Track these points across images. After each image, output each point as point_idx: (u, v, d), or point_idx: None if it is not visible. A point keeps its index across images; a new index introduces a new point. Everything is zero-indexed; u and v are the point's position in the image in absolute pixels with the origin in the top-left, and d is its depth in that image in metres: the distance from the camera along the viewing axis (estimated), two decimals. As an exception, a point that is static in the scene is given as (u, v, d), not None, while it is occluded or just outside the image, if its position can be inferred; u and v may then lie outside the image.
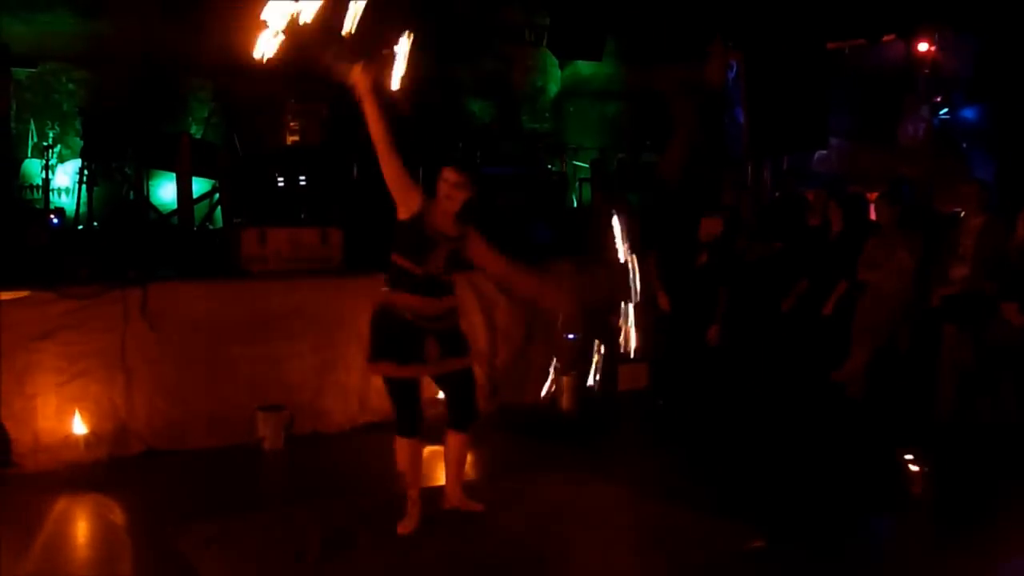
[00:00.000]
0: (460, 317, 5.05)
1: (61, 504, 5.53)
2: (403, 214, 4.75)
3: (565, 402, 7.82)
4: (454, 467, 5.19)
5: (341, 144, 8.90)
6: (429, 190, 4.86)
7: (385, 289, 4.81)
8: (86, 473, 5.93)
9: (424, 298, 4.75)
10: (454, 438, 5.10)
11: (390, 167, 4.68)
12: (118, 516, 5.41)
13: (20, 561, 4.66)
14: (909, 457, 5.68)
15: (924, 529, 5.33)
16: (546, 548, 4.81)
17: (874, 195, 9.15)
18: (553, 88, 12.68)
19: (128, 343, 6.42)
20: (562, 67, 12.63)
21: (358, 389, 7.21)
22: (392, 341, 4.77)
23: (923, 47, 10.71)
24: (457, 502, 5.18)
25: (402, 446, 4.96)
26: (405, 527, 4.91)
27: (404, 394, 4.90)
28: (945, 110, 10.92)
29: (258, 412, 6.65)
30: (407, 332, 4.74)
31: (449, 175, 4.75)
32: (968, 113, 10.90)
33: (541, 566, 4.62)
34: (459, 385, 5.00)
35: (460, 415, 5.05)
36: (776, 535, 4.95)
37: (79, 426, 6.12)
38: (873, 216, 8.51)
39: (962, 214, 7.56)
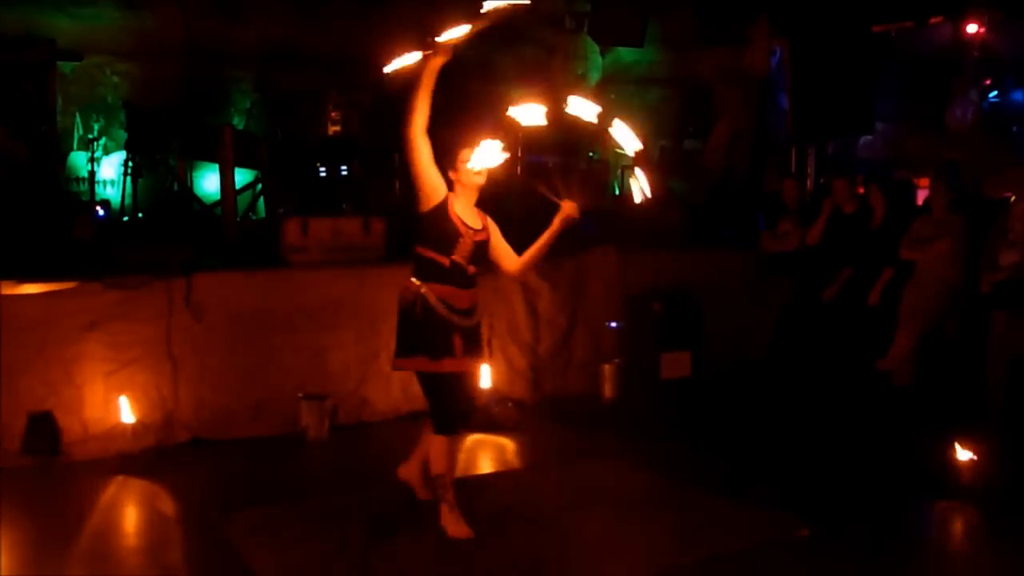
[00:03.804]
0: (480, 314, 4.85)
1: (109, 492, 5.59)
2: (426, 205, 4.64)
3: (607, 390, 7.79)
4: (421, 457, 5.06)
5: (383, 134, 8.91)
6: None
7: (414, 280, 4.67)
8: (133, 461, 6.00)
9: (455, 288, 4.65)
10: (429, 438, 4.88)
11: (423, 153, 4.58)
12: (165, 504, 5.47)
13: (69, 548, 4.72)
14: (958, 446, 5.59)
15: (973, 518, 5.25)
16: (585, 535, 4.80)
17: (922, 180, 9.02)
18: (594, 75, 12.60)
19: (174, 333, 6.48)
20: (603, 54, 12.54)
21: (401, 378, 7.21)
22: (424, 334, 4.62)
23: (972, 28, 10.49)
24: (411, 479, 5.16)
25: (441, 445, 4.72)
26: (460, 530, 4.70)
27: (442, 389, 4.69)
28: (995, 93, 10.71)
29: (302, 401, 6.69)
30: (438, 325, 4.61)
31: (469, 155, 4.67)
32: (1018, 96, 10.68)
33: (581, 554, 4.61)
34: (462, 385, 4.81)
35: (436, 418, 4.77)
36: (821, 524, 4.90)
37: (126, 415, 6.19)
38: (920, 200, 8.39)
39: (1012, 199, 7.42)
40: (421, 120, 4.56)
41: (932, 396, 7.08)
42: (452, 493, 4.76)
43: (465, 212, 4.73)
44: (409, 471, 5.22)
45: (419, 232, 4.72)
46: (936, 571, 4.63)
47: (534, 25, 11.57)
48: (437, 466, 4.74)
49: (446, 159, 4.75)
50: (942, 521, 5.25)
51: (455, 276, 4.65)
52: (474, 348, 4.77)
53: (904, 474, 5.80)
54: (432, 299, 4.61)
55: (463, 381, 4.83)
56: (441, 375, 4.66)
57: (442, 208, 4.65)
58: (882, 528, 4.98)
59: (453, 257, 4.64)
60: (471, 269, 4.71)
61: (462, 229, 4.66)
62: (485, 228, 4.80)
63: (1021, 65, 10.57)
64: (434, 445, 4.76)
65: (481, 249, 4.76)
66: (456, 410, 4.77)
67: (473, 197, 4.77)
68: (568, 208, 4.83)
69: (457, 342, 4.64)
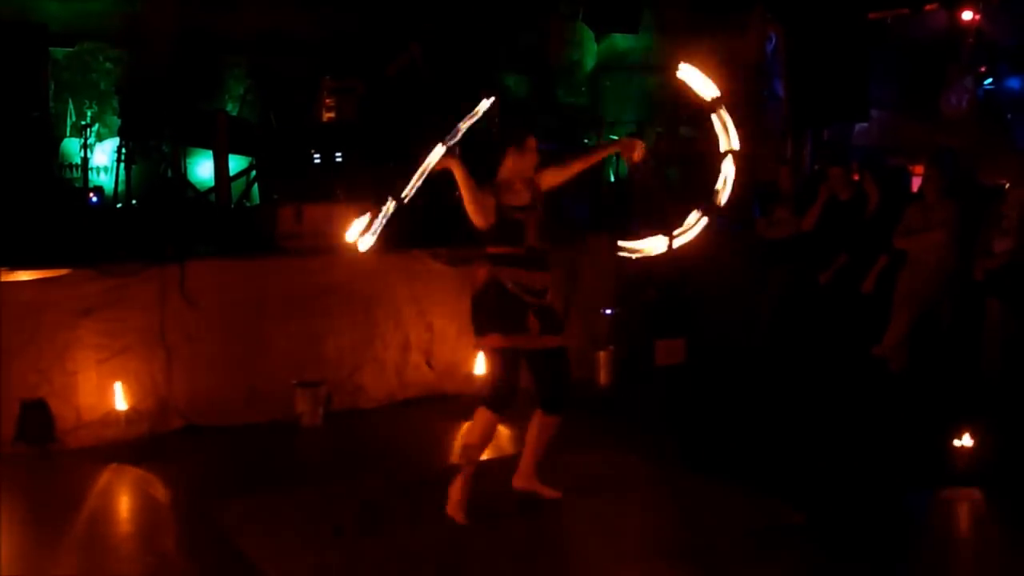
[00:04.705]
0: (552, 292, 4.97)
1: (103, 479, 5.59)
2: (483, 223, 4.77)
3: (602, 377, 7.79)
4: (535, 448, 5.02)
5: (377, 120, 8.89)
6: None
7: (488, 266, 4.82)
8: (127, 449, 5.98)
9: (527, 272, 4.79)
10: (542, 419, 4.97)
11: (475, 205, 4.72)
12: (158, 491, 5.46)
13: (62, 536, 4.72)
14: (954, 431, 5.60)
15: (969, 504, 5.25)
16: (579, 523, 4.80)
17: (917, 167, 9.01)
18: (589, 62, 12.57)
19: (167, 320, 6.46)
20: (598, 40, 12.51)
21: (396, 365, 7.23)
22: (497, 313, 4.77)
23: (967, 15, 10.49)
24: (530, 486, 5.04)
25: (485, 419, 4.82)
26: (457, 514, 4.76)
27: (507, 366, 4.79)
28: (989, 80, 10.71)
29: (296, 388, 6.67)
30: (512, 305, 4.75)
31: (534, 142, 4.90)
32: (1013, 83, 10.68)
33: (576, 540, 4.61)
34: (553, 363, 4.89)
35: (552, 395, 4.92)
36: (815, 511, 4.90)
37: (120, 402, 6.17)
38: (915, 187, 8.38)
39: (1006, 186, 7.42)
40: (469, 195, 4.71)
41: (927, 382, 7.08)
42: (473, 471, 4.84)
43: (514, 195, 4.84)
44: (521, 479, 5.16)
45: (484, 236, 4.82)
46: (931, 556, 4.63)
47: (529, 12, 11.54)
48: (471, 436, 4.87)
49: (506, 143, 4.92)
50: (937, 506, 5.24)
51: (531, 260, 4.81)
52: (553, 326, 4.87)
53: (899, 460, 5.80)
54: (506, 280, 4.76)
55: (554, 360, 4.88)
56: (507, 351, 4.76)
57: (498, 211, 4.79)
58: (877, 513, 4.98)
59: (528, 244, 4.80)
60: (544, 246, 4.87)
61: (520, 216, 4.80)
62: (535, 198, 4.89)
63: (1016, 52, 10.56)
64: (478, 416, 4.83)
65: (545, 219, 4.90)
66: (513, 388, 4.82)
67: (524, 174, 4.89)
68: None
69: (532, 320, 4.76)
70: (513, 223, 4.79)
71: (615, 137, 11.46)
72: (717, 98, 5.31)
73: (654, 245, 5.31)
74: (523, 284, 4.76)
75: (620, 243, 5.44)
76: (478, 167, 4.89)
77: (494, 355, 4.83)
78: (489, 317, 4.79)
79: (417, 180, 4.68)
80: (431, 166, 4.65)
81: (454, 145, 4.74)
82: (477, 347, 5.06)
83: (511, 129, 5.03)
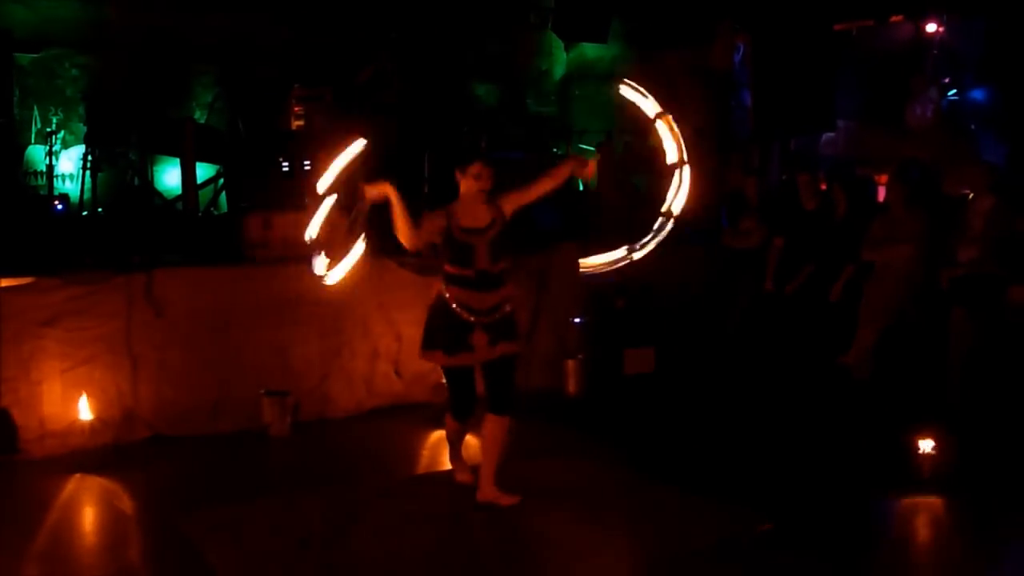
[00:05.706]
0: (511, 304, 5.06)
1: (67, 490, 5.52)
2: (410, 246, 4.94)
3: (571, 386, 7.80)
4: (491, 455, 5.05)
5: (347, 129, 8.87)
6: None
7: (440, 283, 5.00)
8: (92, 459, 5.92)
9: (476, 293, 4.92)
10: (490, 420, 5.04)
11: (412, 238, 4.89)
12: (124, 502, 5.41)
13: (27, 547, 4.65)
14: (918, 438, 5.65)
15: (933, 510, 5.30)
16: (550, 533, 4.79)
17: (882, 177, 9.11)
18: (558, 71, 12.63)
19: (133, 329, 6.42)
20: (567, 50, 12.58)
21: (364, 374, 7.21)
22: (441, 332, 4.96)
23: (931, 27, 10.63)
24: (492, 496, 5.04)
25: (450, 427, 5.32)
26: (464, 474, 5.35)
27: (456, 381, 5.11)
28: (954, 91, 10.85)
29: (264, 398, 6.63)
30: (456, 325, 4.92)
31: (481, 170, 4.94)
32: (977, 94, 10.83)
33: (545, 551, 4.61)
34: (499, 368, 5.01)
35: (496, 397, 5.03)
36: (784, 518, 4.93)
37: (85, 412, 6.10)
38: (882, 197, 8.46)
39: (971, 196, 7.51)
40: (410, 239, 4.89)
41: (892, 390, 7.14)
42: (463, 475, 5.39)
43: (472, 217, 4.95)
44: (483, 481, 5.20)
45: (442, 253, 5.01)
46: (896, 562, 4.67)
47: (498, 21, 11.56)
48: (449, 444, 5.43)
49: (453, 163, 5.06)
50: (902, 512, 5.29)
51: (480, 282, 4.93)
52: (505, 334, 4.99)
53: (865, 467, 5.85)
54: (452, 302, 4.93)
55: (500, 365, 5.00)
56: (455, 368, 5.05)
57: (449, 233, 4.94)
58: (843, 521, 5.01)
59: (477, 267, 4.92)
60: (497, 268, 4.96)
61: (474, 240, 4.91)
62: (495, 219, 4.97)
63: (979, 63, 10.71)
64: (446, 423, 5.33)
65: (500, 240, 4.97)
66: (465, 400, 5.16)
67: (480, 197, 4.97)
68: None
69: (479, 336, 4.91)
70: (464, 246, 4.92)
71: (586, 147, 11.54)
72: (660, 112, 5.40)
73: (615, 257, 5.45)
74: (469, 305, 4.91)
75: (581, 261, 5.61)
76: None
77: (445, 371, 5.14)
78: (434, 334, 5.02)
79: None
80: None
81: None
82: (423, 358, 5.17)
83: (459, 154, 5.17)
